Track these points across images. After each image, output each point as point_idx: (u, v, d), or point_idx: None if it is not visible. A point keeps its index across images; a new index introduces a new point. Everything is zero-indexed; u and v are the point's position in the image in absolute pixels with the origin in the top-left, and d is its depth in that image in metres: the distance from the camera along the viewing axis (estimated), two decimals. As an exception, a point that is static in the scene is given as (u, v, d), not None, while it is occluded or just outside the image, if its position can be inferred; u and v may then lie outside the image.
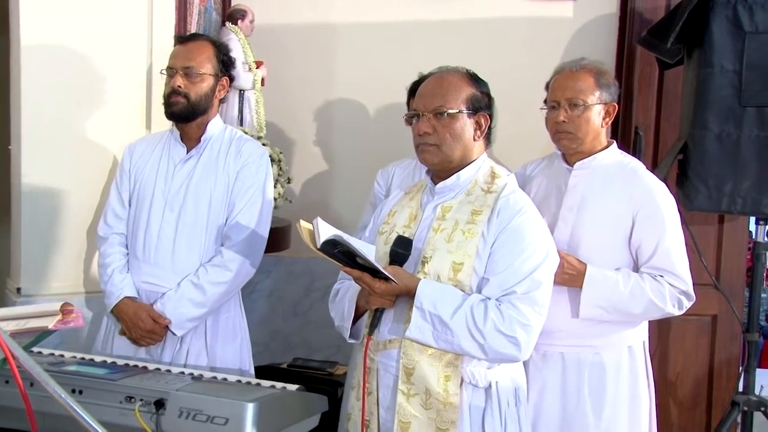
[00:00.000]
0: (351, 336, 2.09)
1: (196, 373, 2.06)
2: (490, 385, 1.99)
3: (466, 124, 2.02)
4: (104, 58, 2.91)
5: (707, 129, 2.91)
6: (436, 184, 2.09)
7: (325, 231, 1.85)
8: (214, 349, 2.57)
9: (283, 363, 3.59)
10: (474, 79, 2.07)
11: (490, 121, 2.08)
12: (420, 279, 1.95)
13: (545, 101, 2.49)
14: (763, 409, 3.02)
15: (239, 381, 2.03)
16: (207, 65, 2.58)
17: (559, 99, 2.39)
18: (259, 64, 3.47)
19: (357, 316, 2.07)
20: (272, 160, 3.07)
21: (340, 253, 1.89)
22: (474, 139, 2.05)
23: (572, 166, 2.46)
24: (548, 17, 3.64)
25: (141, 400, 1.82)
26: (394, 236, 2.04)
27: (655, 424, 2.50)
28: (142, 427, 1.77)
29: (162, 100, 2.61)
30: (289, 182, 3.49)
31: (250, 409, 1.76)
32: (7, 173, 3.01)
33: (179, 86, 2.53)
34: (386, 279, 1.92)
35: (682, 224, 2.45)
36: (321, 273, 3.77)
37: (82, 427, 1.29)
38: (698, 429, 3.46)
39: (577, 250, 2.37)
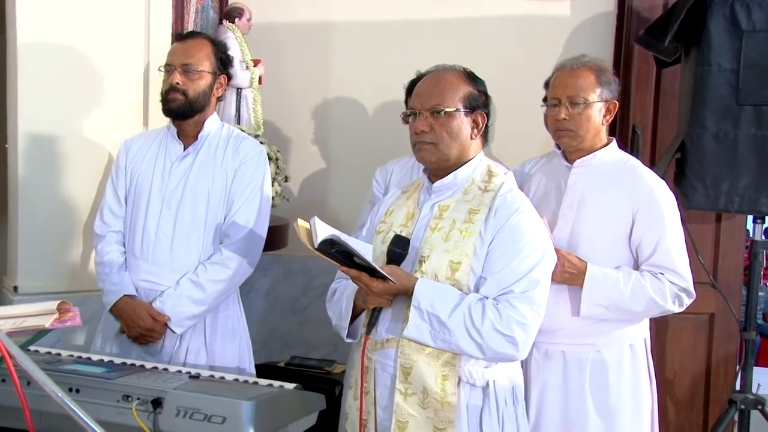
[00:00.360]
0: (348, 335, 2.08)
1: (193, 371, 2.06)
2: (487, 384, 1.99)
3: (463, 123, 2.02)
4: (101, 56, 2.91)
5: (704, 128, 2.91)
6: (433, 182, 2.09)
7: (323, 230, 1.85)
8: (213, 347, 2.57)
9: (280, 361, 3.59)
10: (471, 78, 2.07)
11: (487, 120, 2.07)
12: (417, 278, 1.95)
13: (544, 99, 2.48)
14: (760, 407, 3.02)
15: (237, 380, 2.03)
16: (205, 63, 2.57)
17: (560, 96, 2.39)
18: (256, 63, 3.47)
19: (354, 316, 2.06)
20: (270, 159, 3.07)
21: (337, 252, 1.89)
22: (471, 138, 2.05)
23: (572, 164, 2.45)
24: (546, 16, 3.64)
25: (138, 398, 1.81)
26: (391, 235, 2.04)
27: (657, 422, 2.50)
28: (139, 426, 1.77)
29: (159, 98, 2.60)
30: (286, 180, 3.48)
31: (248, 407, 1.75)
32: (4, 172, 3.01)
33: (177, 83, 2.53)
34: (384, 278, 1.91)
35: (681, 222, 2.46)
36: (319, 271, 3.77)
37: (79, 426, 1.29)
38: (695, 427, 3.46)
39: (578, 247, 2.37)
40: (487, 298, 1.92)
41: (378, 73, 3.72)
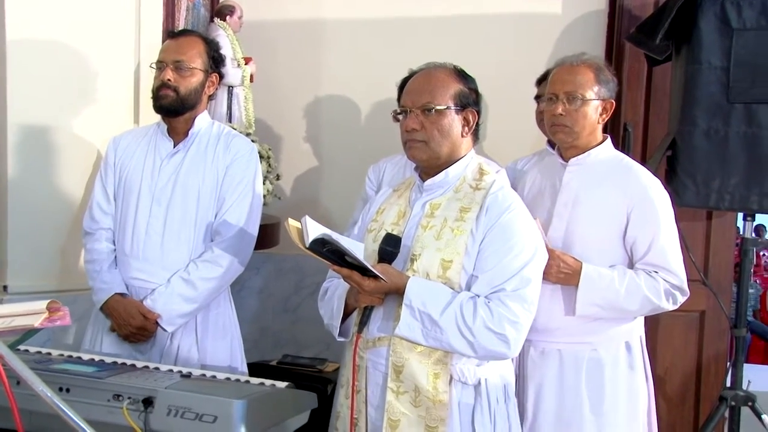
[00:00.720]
0: (340, 334, 2.08)
1: (184, 370, 2.05)
2: (479, 383, 1.99)
3: (454, 121, 2.02)
4: (92, 54, 2.90)
5: (695, 125, 2.92)
6: (424, 181, 2.09)
7: (314, 230, 1.84)
8: (204, 345, 2.57)
9: (272, 360, 3.59)
10: (461, 76, 2.07)
11: (478, 117, 2.07)
12: (409, 277, 1.95)
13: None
14: (750, 404, 3.04)
15: (228, 378, 2.02)
16: (197, 60, 2.57)
17: (558, 92, 2.38)
18: (247, 61, 3.46)
19: (346, 315, 2.06)
20: (261, 157, 3.06)
21: (328, 251, 1.89)
22: (462, 136, 2.05)
23: (567, 162, 2.45)
24: (537, 14, 3.65)
25: (129, 398, 1.80)
26: (382, 234, 2.04)
27: (654, 420, 2.51)
28: (130, 426, 1.76)
29: (150, 95, 2.59)
30: (278, 179, 3.47)
31: (239, 406, 1.75)
32: (-6, 170, 2.99)
33: (169, 80, 2.52)
34: (375, 277, 1.91)
35: (673, 220, 2.46)
36: (310, 270, 3.77)
37: (69, 426, 1.28)
38: (686, 424, 3.48)
39: (572, 245, 2.37)
40: (478, 296, 1.92)
41: (369, 71, 3.71)
